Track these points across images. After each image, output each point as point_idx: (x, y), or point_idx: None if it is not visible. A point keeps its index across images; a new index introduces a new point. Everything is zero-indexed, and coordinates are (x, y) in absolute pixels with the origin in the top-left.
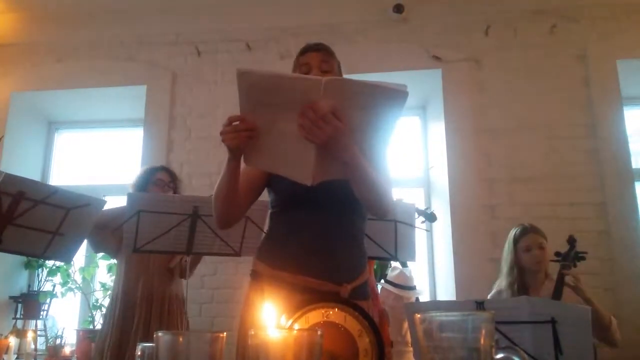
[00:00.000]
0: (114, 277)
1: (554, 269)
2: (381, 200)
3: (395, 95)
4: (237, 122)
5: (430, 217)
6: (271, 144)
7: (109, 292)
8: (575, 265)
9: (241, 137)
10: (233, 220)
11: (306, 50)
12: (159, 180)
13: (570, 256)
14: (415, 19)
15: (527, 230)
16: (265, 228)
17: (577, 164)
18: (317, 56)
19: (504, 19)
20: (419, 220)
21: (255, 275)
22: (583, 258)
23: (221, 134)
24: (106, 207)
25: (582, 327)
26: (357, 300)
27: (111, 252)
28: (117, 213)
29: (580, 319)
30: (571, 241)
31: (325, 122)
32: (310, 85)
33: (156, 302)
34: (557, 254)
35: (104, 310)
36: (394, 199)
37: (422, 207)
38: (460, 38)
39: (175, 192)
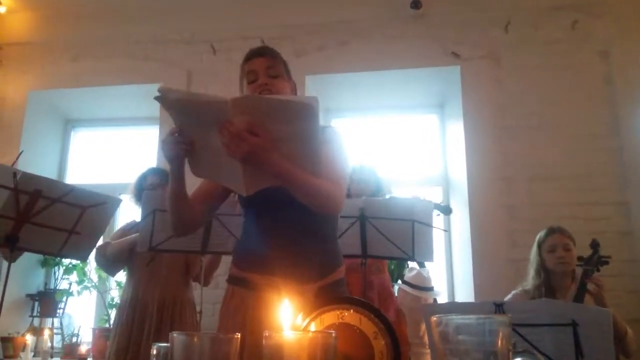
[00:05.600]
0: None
1: (579, 273)
2: (321, 201)
3: (304, 109)
4: (176, 134)
5: (445, 210)
6: (208, 157)
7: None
8: (598, 270)
9: (177, 149)
10: (188, 227)
11: (250, 56)
12: (150, 185)
13: (593, 261)
14: (433, 15)
15: (553, 231)
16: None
17: (599, 163)
18: (263, 62)
19: (523, 14)
20: (434, 214)
21: (229, 279)
22: (606, 262)
23: (161, 142)
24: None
25: (604, 330)
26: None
27: (123, 264)
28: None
29: (602, 322)
30: (594, 245)
31: (240, 139)
32: (218, 106)
33: (168, 308)
34: (580, 258)
35: None
36: (342, 195)
37: (438, 200)
38: (479, 34)
39: None
